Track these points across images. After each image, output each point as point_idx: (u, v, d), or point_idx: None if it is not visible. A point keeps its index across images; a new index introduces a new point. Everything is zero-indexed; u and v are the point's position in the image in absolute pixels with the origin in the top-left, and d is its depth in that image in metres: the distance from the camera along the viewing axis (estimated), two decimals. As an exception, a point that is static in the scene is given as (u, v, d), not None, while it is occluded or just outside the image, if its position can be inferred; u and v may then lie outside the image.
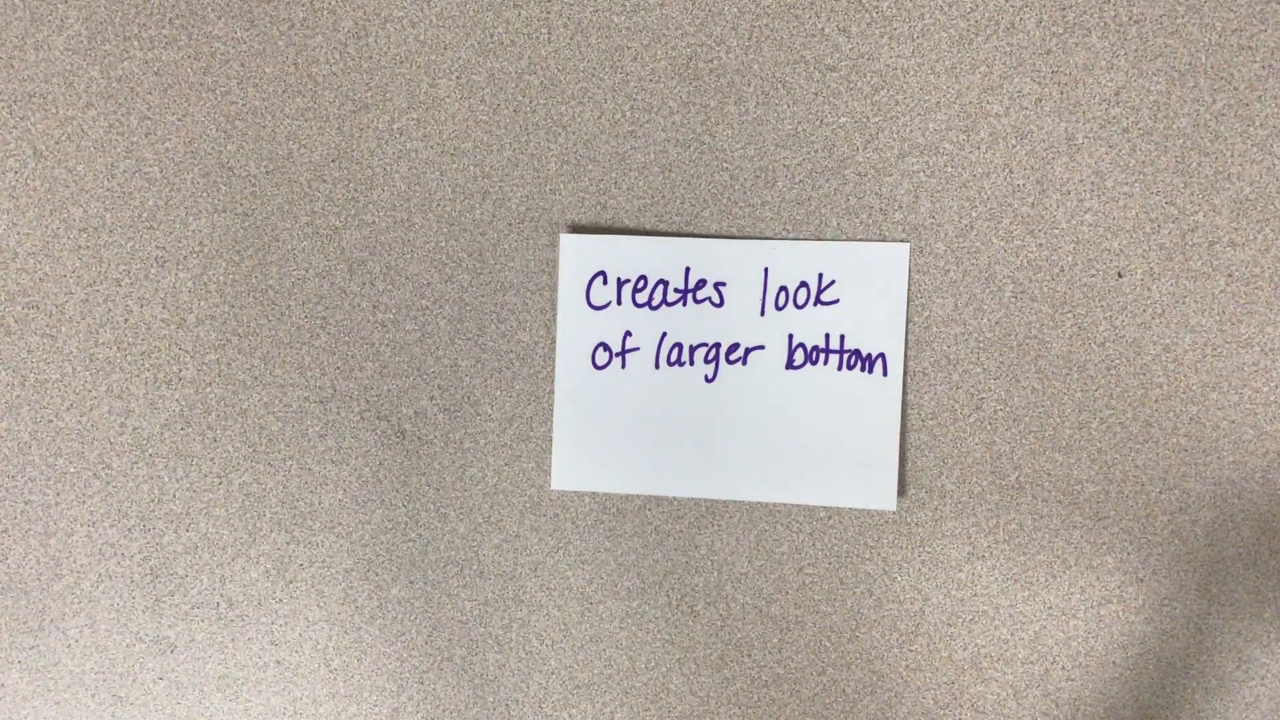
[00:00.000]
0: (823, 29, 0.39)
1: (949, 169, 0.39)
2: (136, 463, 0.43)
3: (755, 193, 0.40)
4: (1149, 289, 0.38)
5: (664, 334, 0.40)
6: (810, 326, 0.40)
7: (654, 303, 0.40)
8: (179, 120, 0.42)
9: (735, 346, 0.40)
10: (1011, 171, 0.38)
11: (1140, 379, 0.38)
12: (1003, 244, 0.39)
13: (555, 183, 0.41)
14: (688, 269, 0.40)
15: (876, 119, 0.39)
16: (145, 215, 0.42)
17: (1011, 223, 0.38)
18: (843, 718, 0.41)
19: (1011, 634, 0.40)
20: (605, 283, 0.41)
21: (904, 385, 0.39)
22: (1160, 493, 0.39)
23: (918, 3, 0.38)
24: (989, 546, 0.40)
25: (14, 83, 0.43)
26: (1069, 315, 0.38)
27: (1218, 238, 0.37)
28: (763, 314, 0.40)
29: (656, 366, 0.41)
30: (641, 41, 0.40)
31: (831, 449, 0.40)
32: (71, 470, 0.43)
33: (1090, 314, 0.38)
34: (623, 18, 0.40)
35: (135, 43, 0.42)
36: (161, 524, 0.43)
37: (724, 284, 0.40)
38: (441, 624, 0.42)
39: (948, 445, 0.39)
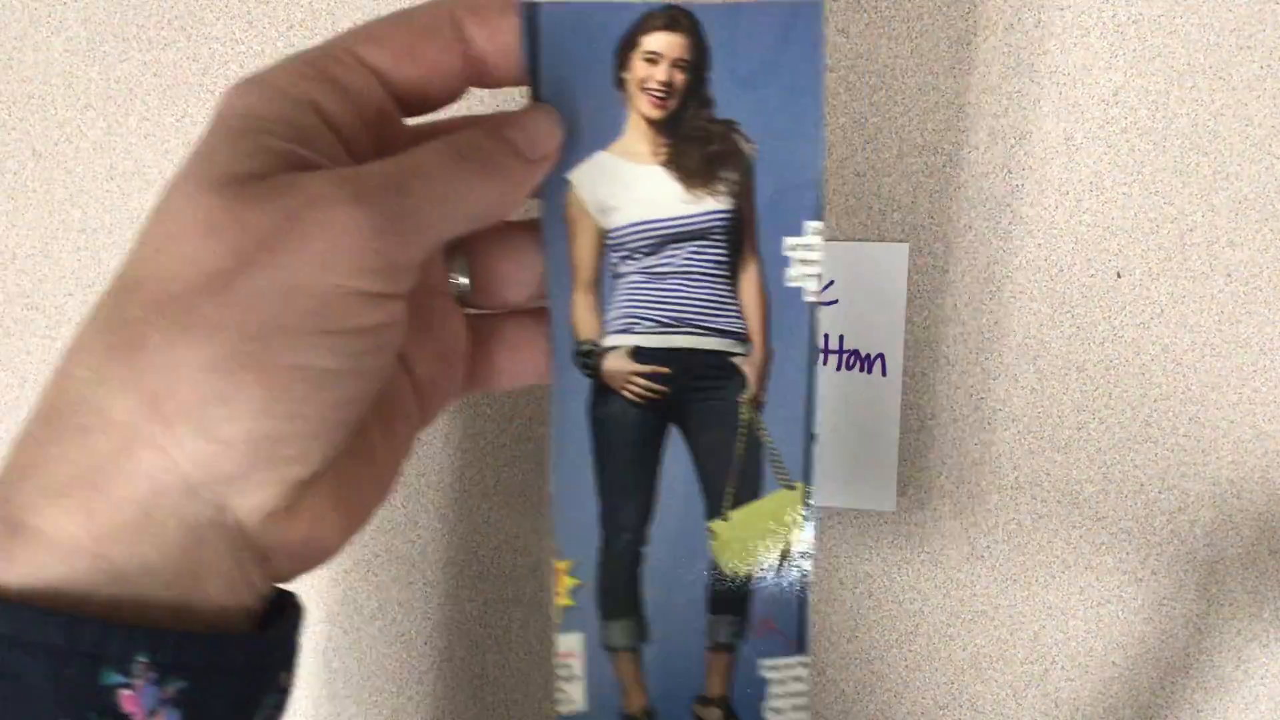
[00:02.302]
0: (822, 29, 0.39)
1: (949, 169, 0.39)
2: (136, 463, 0.42)
3: (755, 193, 0.40)
4: (1148, 289, 0.38)
5: (663, 334, 0.40)
6: (810, 327, 0.40)
7: (653, 303, 0.40)
8: (178, 121, 0.42)
9: (735, 347, 0.40)
10: (1010, 172, 0.38)
11: (1139, 379, 0.38)
12: (1002, 244, 0.39)
13: (555, 183, 0.41)
14: (687, 269, 0.40)
15: (876, 119, 0.39)
16: (144, 216, 0.42)
17: (1011, 223, 0.38)
18: (843, 718, 0.41)
19: (1011, 634, 0.40)
20: (605, 283, 0.40)
21: (904, 385, 0.39)
22: (1159, 493, 0.39)
23: (917, 3, 0.38)
24: (988, 546, 0.40)
25: (13, 84, 0.43)
26: (1068, 315, 0.38)
27: (1216, 238, 0.37)
28: (762, 314, 0.40)
29: (656, 367, 0.40)
30: (641, 42, 0.40)
31: (831, 449, 0.40)
32: (71, 471, 0.43)
33: (1089, 314, 0.38)
34: (622, 18, 0.40)
35: (134, 44, 0.42)
36: (161, 524, 0.43)
37: (723, 284, 0.40)
38: (441, 624, 0.42)
39: (948, 445, 0.39)
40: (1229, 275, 0.38)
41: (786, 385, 0.28)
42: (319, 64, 0.23)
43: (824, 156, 0.27)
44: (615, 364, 0.28)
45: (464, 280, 0.28)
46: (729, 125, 0.27)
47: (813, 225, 0.27)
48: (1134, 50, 0.37)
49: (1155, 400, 0.38)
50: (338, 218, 0.21)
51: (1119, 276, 0.38)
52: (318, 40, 0.24)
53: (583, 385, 0.28)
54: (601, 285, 0.28)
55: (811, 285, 0.27)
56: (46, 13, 0.42)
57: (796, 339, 0.28)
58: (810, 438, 0.28)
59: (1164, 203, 0.38)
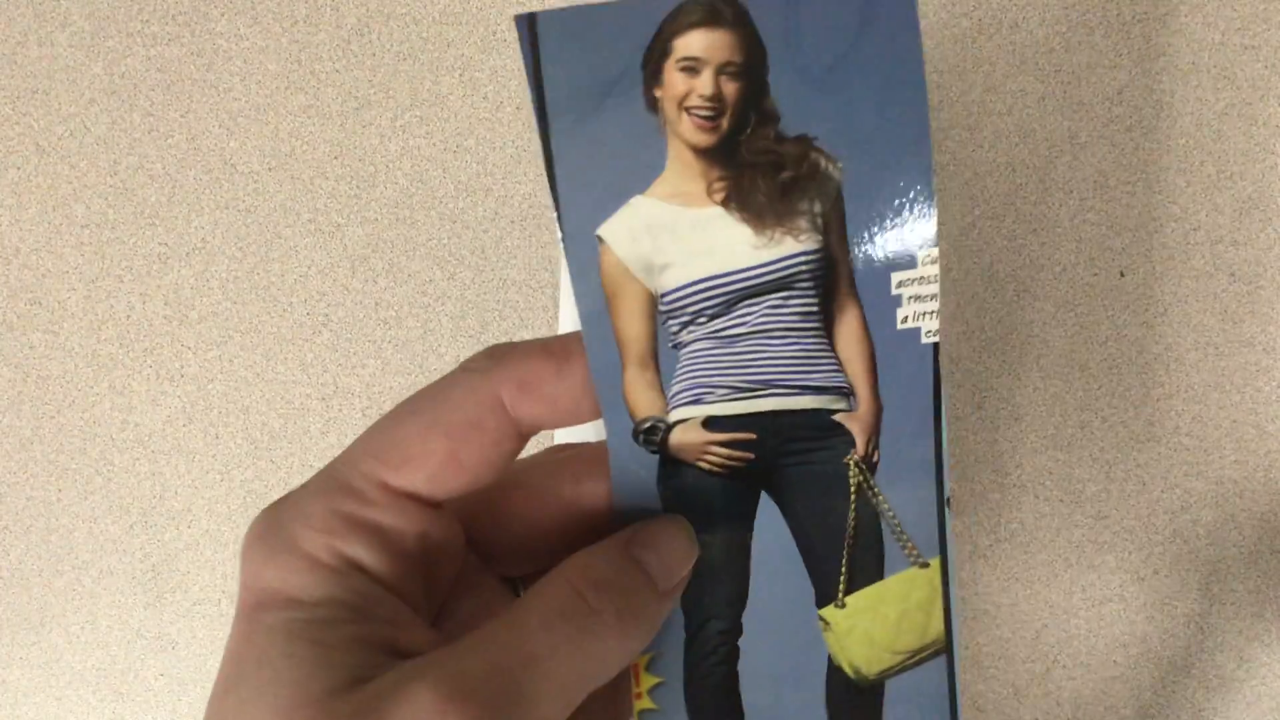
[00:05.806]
0: (826, 27, 0.39)
1: (950, 168, 0.39)
2: (138, 459, 0.42)
3: (758, 191, 0.40)
4: (1151, 288, 0.38)
5: (666, 332, 0.40)
6: (813, 325, 0.40)
7: (656, 300, 0.40)
8: (182, 117, 0.42)
9: (738, 344, 0.40)
10: (1014, 170, 0.38)
11: (1142, 378, 0.38)
12: (1005, 243, 0.39)
13: (558, 180, 0.41)
14: (690, 267, 0.40)
15: (879, 117, 0.39)
16: (147, 211, 0.42)
17: (1014, 222, 0.38)
18: (844, 716, 0.41)
19: (1013, 632, 0.40)
20: (608, 280, 0.40)
21: (906, 383, 0.39)
22: (1161, 492, 0.39)
23: (920, 2, 0.38)
24: (990, 545, 0.40)
25: (17, 79, 0.43)
26: (1071, 314, 0.38)
27: (1219, 237, 0.37)
28: (765, 312, 0.40)
29: (659, 364, 0.40)
30: (645, 39, 0.40)
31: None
32: (73, 466, 0.43)
33: (1092, 313, 0.38)
34: (626, 15, 0.40)
35: (138, 39, 0.42)
36: (163, 520, 0.43)
37: (726, 282, 0.40)
38: (443, 621, 0.42)
39: (950, 444, 0.39)
40: (1231, 274, 0.38)
41: (905, 441, 0.22)
42: (345, 509, 0.19)
43: (933, 167, 0.21)
44: (686, 436, 0.22)
45: None
46: (804, 142, 0.20)
47: (927, 253, 0.21)
48: (1139, 49, 0.37)
49: (1158, 399, 0.38)
50: None
51: (1122, 275, 0.38)
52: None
53: (647, 461, 0.22)
54: (658, 358, 0.22)
55: (929, 324, 0.22)
56: (51, 8, 0.42)
57: (915, 388, 0.22)
58: (944, 502, 0.23)
59: (1167, 202, 0.38)
